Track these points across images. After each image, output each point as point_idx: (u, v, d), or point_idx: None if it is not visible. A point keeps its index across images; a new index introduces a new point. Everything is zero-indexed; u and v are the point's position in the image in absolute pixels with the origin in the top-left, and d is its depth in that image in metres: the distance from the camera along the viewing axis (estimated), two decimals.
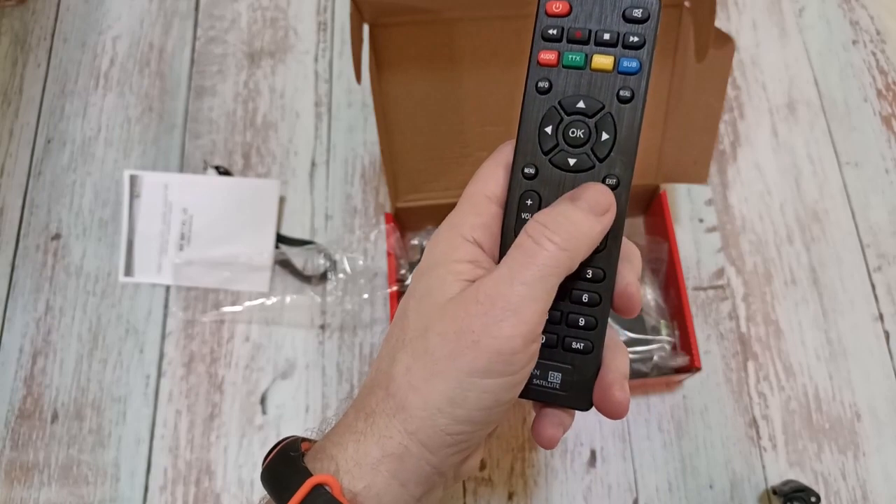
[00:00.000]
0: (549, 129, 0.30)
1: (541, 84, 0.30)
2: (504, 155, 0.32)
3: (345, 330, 0.64)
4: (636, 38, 0.29)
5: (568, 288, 0.30)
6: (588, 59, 0.30)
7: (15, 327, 0.64)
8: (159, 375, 0.62)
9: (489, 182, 0.31)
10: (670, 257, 0.59)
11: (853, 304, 0.64)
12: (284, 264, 0.65)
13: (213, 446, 0.60)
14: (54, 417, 0.61)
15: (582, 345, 0.30)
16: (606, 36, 0.29)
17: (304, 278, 0.65)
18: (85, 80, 0.74)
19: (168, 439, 0.60)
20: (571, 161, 0.30)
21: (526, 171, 0.30)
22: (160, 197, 0.67)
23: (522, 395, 0.30)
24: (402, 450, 0.28)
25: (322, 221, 0.68)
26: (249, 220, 0.66)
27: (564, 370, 0.31)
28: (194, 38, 0.75)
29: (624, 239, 0.31)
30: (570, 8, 0.30)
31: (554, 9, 0.30)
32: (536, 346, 0.28)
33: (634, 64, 0.29)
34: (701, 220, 0.68)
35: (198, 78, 0.73)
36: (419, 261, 0.60)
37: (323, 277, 0.65)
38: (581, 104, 0.30)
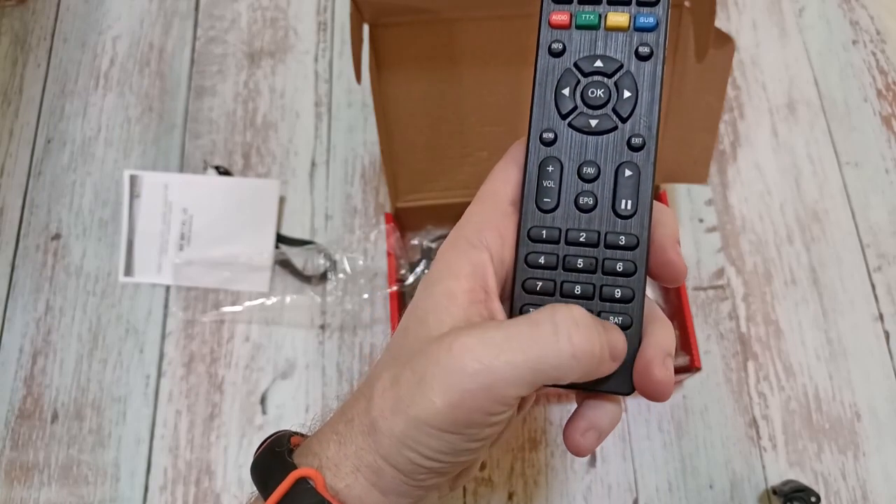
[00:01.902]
0: (566, 92, 0.28)
1: (554, 46, 0.28)
2: (516, 153, 0.30)
3: (345, 330, 0.64)
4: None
5: (600, 258, 0.28)
6: (602, 17, 0.28)
7: (15, 327, 0.64)
8: (159, 375, 0.62)
9: (501, 181, 0.30)
10: None
11: (853, 304, 0.64)
12: (284, 264, 0.65)
13: (213, 446, 0.60)
14: (54, 417, 0.61)
15: (620, 319, 0.28)
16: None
17: (304, 278, 0.65)
18: (85, 80, 0.74)
19: (168, 439, 0.60)
20: (593, 122, 0.28)
21: (545, 136, 0.28)
22: (160, 197, 0.67)
23: (562, 385, 0.27)
24: (376, 467, 0.27)
25: (322, 221, 0.68)
26: (249, 220, 0.66)
27: None
28: (194, 38, 0.75)
29: (655, 202, 0.29)
30: None
31: None
32: (505, 417, 0.26)
33: (651, 20, 0.28)
34: (701, 220, 0.68)
35: (198, 78, 0.73)
36: (419, 261, 0.61)
37: (323, 277, 0.65)
38: (598, 63, 0.28)
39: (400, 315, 0.58)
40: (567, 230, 0.28)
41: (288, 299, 0.64)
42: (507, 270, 0.28)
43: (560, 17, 0.29)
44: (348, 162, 0.70)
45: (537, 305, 0.27)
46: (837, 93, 0.72)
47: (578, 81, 0.28)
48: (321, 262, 0.65)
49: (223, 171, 0.68)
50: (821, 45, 0.74)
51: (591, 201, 0.28)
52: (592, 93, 0.28)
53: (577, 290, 0.28)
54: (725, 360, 0.63)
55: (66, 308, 0.65)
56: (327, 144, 0.71)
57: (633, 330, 0.28)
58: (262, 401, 0.61)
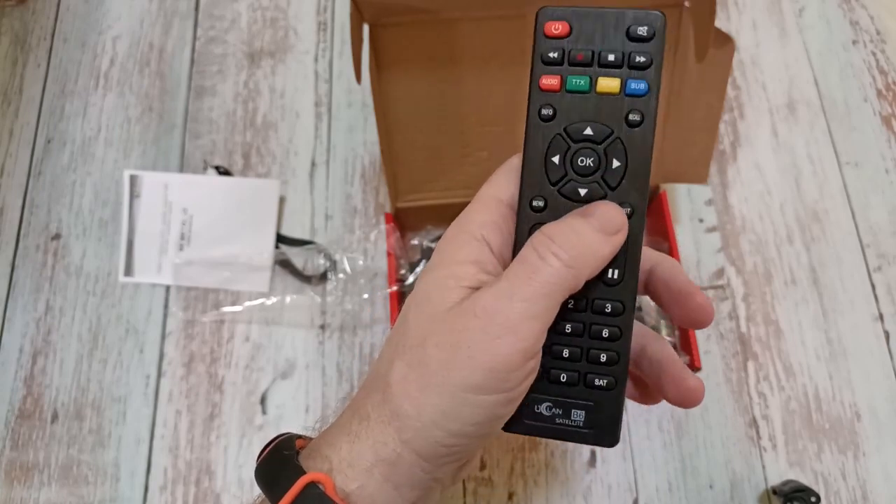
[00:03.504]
0: (556, 159, 0.28)
1: (544, 111, 0.28)
2: (516, 161, 0.30)
3: (345, 330, 0.64)
4: (642, 58, 0.28)
5: (587, 323, 0.29)
6: (593, 82, 0.28)
7: (15, 327, 0.64)
8: (159, 375, 0.62)
9: (501, 185, 0.30)
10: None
11: (853, 304, 0.64)
12: (284, 264, 0.65)
13: (213, 446, 0.60)
14: (54, 417, 0.61)
15: (605, 381, 0.29)
16: (611, 57, 0.28)
17: (304, 278, 0.65)
18: (85, 80, 0.74)
19: (168, 439, 0.60)
20: (582, 191, 0.28)
21: (534, 203, 0.29)
22: (160, 197, 0.67)
23: (547, 435, 0.30)
24: (395, 456, 0.27)
25: (322, 221, 0.68)
26: (249, 220, 0.66)
27: (587, 407, 0.29)
28: (194, 38, 0.75)
29: (661, 254, 0.30)
30: (570, 28, 0.28)
31: (553, 30, 0.28)
32: (535, 363, 0.27)
33: (642, 85, 0.28)
34: (701, 220, 0.68)
35: (198, 78, 0.73)
36: (419, 261, 0.61)
37: (323, 277, 0.65)
38: (588, 130, 0.28)
39: None
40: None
41: (288, 299, 0.64)
42: (506, 265, 0.29)
43: (550, 80, 0.28)
44: (348, 162, 0.70)
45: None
46: (837, 93, 0.72)
47: (568, 148, 0.28)
48: (321, 262, 0.65)
49: (223, 171, 0.68)
50: (821, 45, 0.74)
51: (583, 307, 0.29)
52: (582, 161, 0.28)
53: (566, 353, 0.29)
54: (725, 360, 0.63)
55: (66, 308, 0.65)
56: (327, 144, 0.71)
57: (618, 390, 0.29)
58: (262, 401, 0.61)
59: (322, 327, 0.64)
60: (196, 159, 0.70)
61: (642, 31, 0.28)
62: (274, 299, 0.64)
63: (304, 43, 0.75)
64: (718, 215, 0.68)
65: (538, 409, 0.30)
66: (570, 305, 0.29)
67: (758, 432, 0.60)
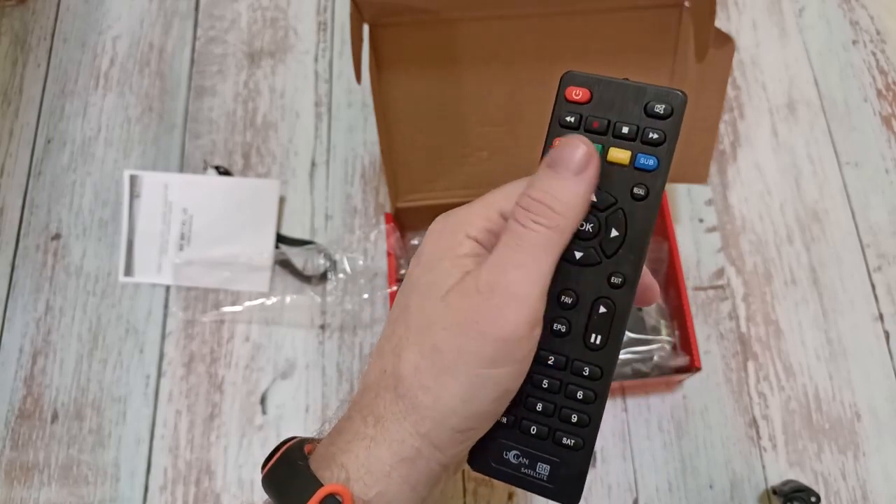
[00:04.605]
0: (587, 227, 0.29)
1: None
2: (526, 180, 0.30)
3: (345, 330, 0.64)
4: (656, 135, 0.28)
5: (564, 382, 0.29)
6: (605, 150, 0.29)
7: (15, 327, 0.64)
8: (159, 375, 0.62)
9: (501, 194, 0.30)
10: (670, 257, 0.59)
11: (853, 304, 0.64)
12: (284, 264, 0.65)
13: (213, 446, 0.60)
14: (54, 417, 0.61)
15: (573, 441, 0.29)
16: (625, 129, 0.28)
17: (304, 278, 0.65)
18: (85, 80, 0.74)
19: (168, 439, 0.60)
20: (578, 254, 0.29)
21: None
22: (160, 197, 0.67)
23: (510, 481, 0.30)
24: (414, 453, 0.27)
25: (322, 221, 0.68)
26: (249, 220, 0.66)
27: (553, 463, 0.30)
28: (194, 38, 0.75)
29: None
30: (591, 96, 0.29)
31: (574, 95, 0.29)
32: (538, 331, 0.28)
33: (652, 161, 0.28)
34: (701, 220, 0.68)
35: (198, 78, 0.73)
36: None
37: (323, 277, 0.65)
38: (593, 197, 0.28)
39: None
40: (539, 350, 0.28)
41: (288, 299, 0.64)
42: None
43: None
44: (348, 162, 0.70)
45: (506, 414, 0.29)
46: (837, 93, 0.72)
47: (598, 212, 0.29)
48: (321, 262, 0.65)
49: (223, 171, 0.68)
50: (821, 45, 0.74)
51: (564, 328, 0.29)
52: (582, 225, 0.28)
53: (539, 406, 0.29)
54: (725, 360, 0.63)
55: (66, 308, 0.65)
56: (327, 144, 0.71)
57: (585, 451, 0.29)
58: (262, 401, 0.61)
59: (322, 327, 0.64)
60: (196, 159, 0.70)
61: (660, 108, 0.28)
62: (274, 299, 0.64)
63: (304, 43, 0.75)
64: (718, 215, 0.68)
65: (506, 455, 0.30)
66: (550, 362, 0.29)
67: (758, 432, 0.60)
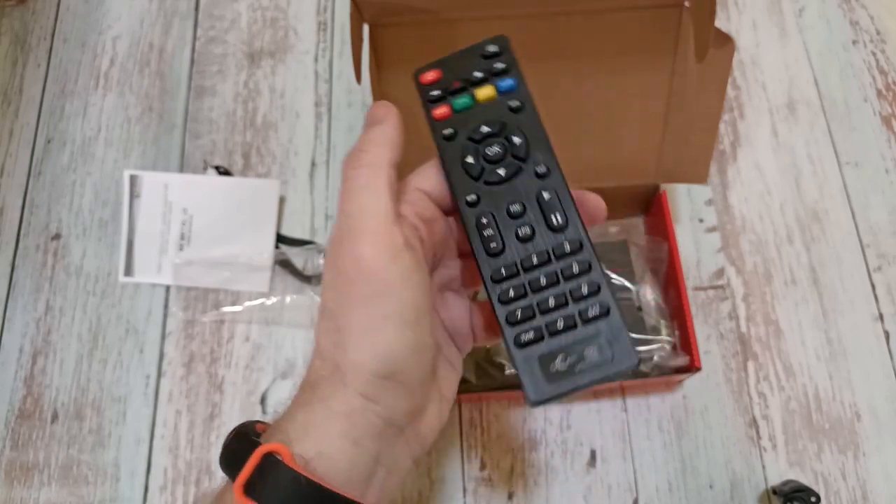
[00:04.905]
0: (470, 159, 0.33)
1: (446, 132, 0.34)
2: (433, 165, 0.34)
3: None
4: (501, 65, 0.34)
5: (557, 268, 0.31)
6: (473, 97, 0.34)
7: (15, 327, 0.64)
8: (159, 375, 0.62)
9: (428, 177, 0.34)
10: (670, 257, 0.59)
11: (853, 304, 0.64)
12: (284, 264, 0.65)
13: (213, 446, 0.60)
14: (54, 417, 0.61)
15: (598, 308, 0.30)
16: (478, 75, 0.34)
17: (304, 278, 0.65)
18: (85, 80, 0.74)
19: (168, 439, 0.60)
20: (501, 171, 0.33)
21: (469, 199, 0.33)
22: (160, 197, 0.67)
23: (573, 389, 0.30)
24: (346, 407, 0.28)
25: (322, 221, 0.68)
26: (249, 220, 0.66)
27: (595, 339, 0.30)
28: (194, 38, 0.75)
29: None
30: (441, 73, 0.35)
31: (428, 78, 0.35)
32: (407, 258, 0.29)
33: (510, 82, 0.34)
34: (701, 220, 0.68)
35: (198, 78, 0.73)
36: None
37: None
38: (485, 128, 0.33)
39: None
40: (521, 261, 0.31)
41: (288, 299, 0.64)
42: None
43: (440, 111, 0.34)
44: None
45: (528, 332, 0.31)
46: (837, 93, 0.72)
47: (477, 149, 0.33)
48: (321, 262, 0.65)
49: (223, 171, 0.68)
50: (821, 45, 0.74)
51: (528, 230, 0.32)
52: (490, 151, 0.33)
53: (552, 302, 0.31)
54: (725, 360, 0.63)
55: (66, 308, 0.65)
56: (327, 144, 0.71)
57: (614, 312, 0.31)
58: (262, 401, 0.61)
59: None
60: (196, 159, 0.70)
61: (492, 48, 0.35)
62: (274, 299, 0.64)
63: (304, 43, 0.75)
64: (718, 215, 0.68)
65: (554, 367, 0.30)
66: (535, 261, 0.31)
67: (758, 432, 0.60)
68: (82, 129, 0.72)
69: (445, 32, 0.52)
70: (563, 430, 0.60)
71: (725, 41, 0.49)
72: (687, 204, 0.68)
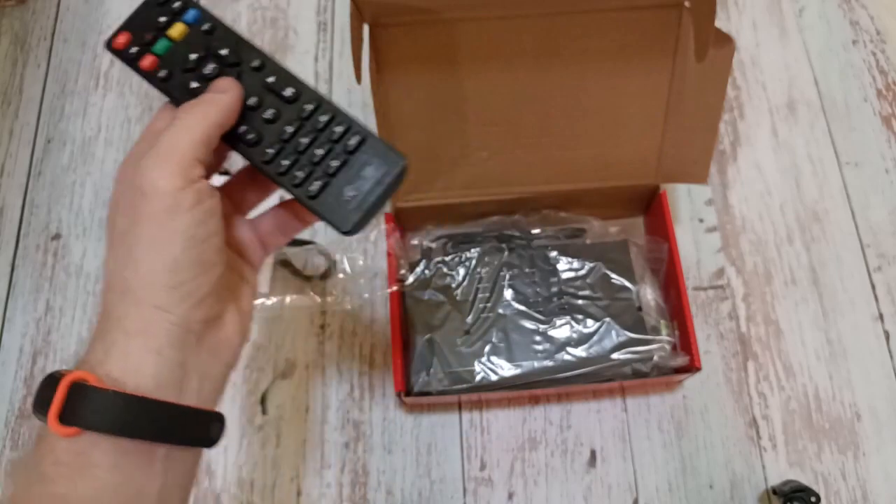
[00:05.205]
0: (194, 85, 0.35)
1: (162, 75, 0.36)
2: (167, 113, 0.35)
3: (345, 330, 0.64)
4: (177, 4, 0.36)
5: (313, 126, 0.35)
6: (168, 37, 0.36)
7: (15, 327, 0.64)
8: None
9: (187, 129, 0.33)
10: (670, 257, 0.59)
11: (853, 304, 0.64)
12: (284, 264, 0.65)
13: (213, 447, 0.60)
14: None
15: (358, 137, 0.35)
16: (164, 20, 0.36)
17: (304, 278, 0.65)
18: (85, 80, 0.74)
19: None
20: (211, 69, 0.35)
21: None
22: None
23: (377, 202, 0.35)
24: (142, 323, 0.30)
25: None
26: None
27: (367, 157, 0.35)
28: None
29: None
30: (130, 33, 0.36)
31: (120, 42, 0.36)
32: (203, 185, 0.31)
33: (193, 13, 0.36)
34: (701, 220, 0.68)
35: None
36: (419, 261, 0.61)
37: (323, 277, 0.65)
38: (193, 56, 0.35)
39: (400, 315, 0.59)
40: (280, 137, 0.35)
41: (288, 299, 0.64)
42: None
43: (147, 61, 0.36)
44: None
45: (313, 183, 0.35)
46: (837, 93, 0.72)
47: (196, 76, 0.35)
48: (321, 262, 0.65)
49: (223, 172, 0.68)
50: (821, 45, 0.74)
51: (272, 112, 0.35)
52: (207, 70, 0.35)
53: (319, 152, 0.35)
54: (725, 360, 0.63)
55: (66, 308, 0.65)
56: None
57: (370, 138, 0.35)
58: (262, 401, 0.61)
59: (322, 327, 0.64)
60: None
61: None
62: (274, 299, 0.64)
63: (304, 43, 0.75)
64: (718, 215, 0.68)
65: (347, 197, 0.35)
66: (290, 131, 0.35)
67: (758, 432, 0.60)
68: (82, 129, 0.72)
69: (445, 32, 0.52)
70: (563, 430, 0.60)
71: (725, 41, 0.50)
72: (687, 204, 0.68)
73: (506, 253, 0.61)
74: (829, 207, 0.68)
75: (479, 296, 0.59)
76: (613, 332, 0.57)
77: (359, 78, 0.49)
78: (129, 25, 0.36)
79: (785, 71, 0.73)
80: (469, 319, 0.58)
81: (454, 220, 0.64)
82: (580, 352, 0.57)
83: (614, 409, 0.61)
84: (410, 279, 0.60)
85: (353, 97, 0.72)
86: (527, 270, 0.60)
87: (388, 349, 0.62)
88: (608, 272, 0.60)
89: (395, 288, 0.59)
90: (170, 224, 0.30)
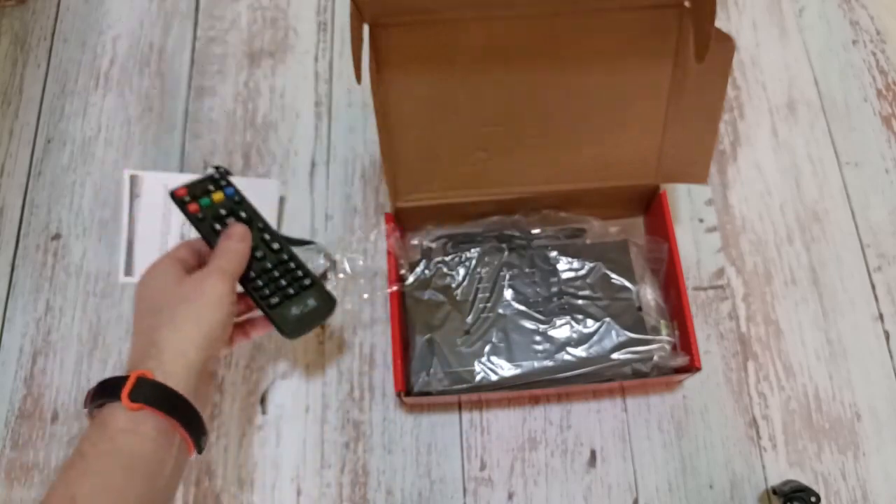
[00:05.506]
0: (218, 227, 0.53)
1: (200, 216, 0.53)
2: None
3: (345, 330, 0.64)
4: (224, 182, 0.55)
5: (281, 271, 0.54)
6: (211, 198, 0.54)
7: (15, 327, 0.64)
8: None
9: (182, 253, 0.53)
10: (670, 257, 0.59)
11: (853, 304, 0.64)
12: None
13: (213, 446, 0.60)
14: (54, 417, 0.61)
15: (308, 280, 0.54)
16: (212, 187, 0.55)
17: None
18: (85, 80, 0.74)
19: None
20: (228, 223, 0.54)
21: (257, 254, 0.54)
22: (160, 197, 0.67)
23: (309, 326, 0.54)
24: (179, 360, 0.46)
25: (322, 221, 0.68)
26: None
27: (311, 297, 0.54)
28: (194, 38, 0.75)
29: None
30: (188, 189, 0.54)
31: (180, 192, 0.54)
32: (233, 296, 0.49)
33: (231, 190, 0.55)
34: (701, 220, 0.68)
35: (198, 78, 0.73)
36: (419, 261, 0.61)
37: (323, 277, 0.65)
38: (222, 211, 0.54)
39: (400, 315, 0.59)
40: (262, 272, 0.53)
41: None
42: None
43: (193, 206, 0.53)
44: (348, 162, 0.70)
45: (274, 298, 0.53)
46: (837, 93, 0.72)
47: (220, 223, 0.53)
48: (321, 262, 0.65)
49: (223, 171, 0.68)
50: (821, 45, 0.74)
51: (261, 254, 0.53)
52: (228, 221, 0.53)
53: (283, 282, 0.53)
54: (725, 360, 0.63)
55: (66, 308, 0.65)
56: (327, 144, 0.71)
57: (317, 284, 0.55)
58: (262, 401, 0.61)
59: (322, 327, 0.64)
60: (196, 159, 0.70)
61: (216, 175, 0.55)
62: None
63: (304, 43, 0.75)
64: (718, 215, 0.68)
65: (294, 315, 0.53)
66: (269, 267, 0.53)
67: (758, 432, 0.60)
68: (82, 129, 0.72)
69: (445, 32, 0.52)
70: (563, 430, 0.60)
71: (725, 41, 0.50)
72: (687, 204, 0.68)
73: (506, 253, 0.61)
74: (829, 207, 0.68)
75: (479, 296, 0.59)
76: (613, 332, 0.57)
77: (359, 78, 0.49)
78: (189, 187, 0.54)
79: (785, 71, 0.73)
80: (469, 319, 0.58)
81: (454, 220, 0.64)
82: (580, 352, 0.57)
83: (614, 409, 0.61)
84: (410, 279, 0.60)
85: (353, 97, 0.72)
86: (527, 270, 0.60)
87: (388, 349, 0.62)
88: (608, 272, 0.60)
89: (395, 288, 0.59)
90: (216, 312, 0.48)
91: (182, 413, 0.44)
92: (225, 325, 0.48)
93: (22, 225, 0.68)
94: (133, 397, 0.42)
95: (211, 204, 0.54)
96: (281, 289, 0.53)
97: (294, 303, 0.53)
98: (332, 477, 0.59)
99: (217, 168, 0.68)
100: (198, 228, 0.53)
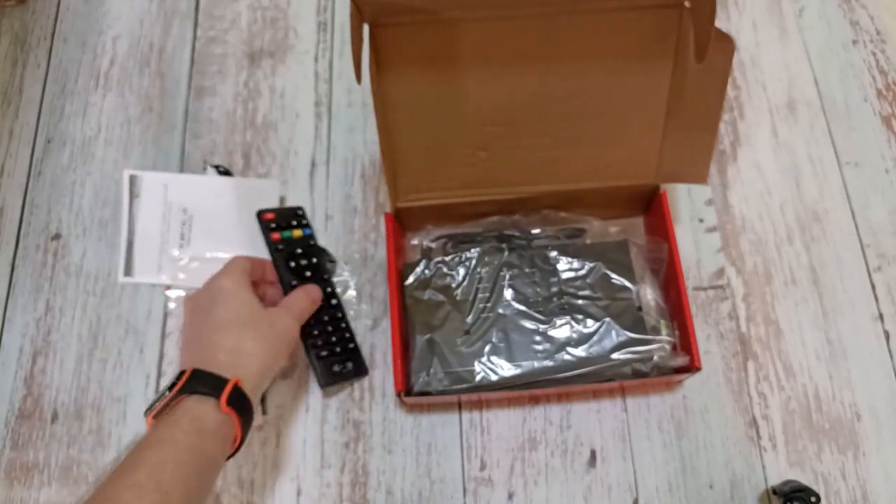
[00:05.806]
0: (292, 264, 0.61)
1: (280, 247, 0.61)
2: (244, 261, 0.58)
3: None
4: (305, 221, 0.64)
5: (335, 326, 0.61)
6: (291, 233, 0.62)
7: (15, 327, 0.64)
8: (159, 375, 0.62)
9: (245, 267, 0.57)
10: (670, 257, 0.59)
11: (853, 304, 0.64)
12: None
13: None
14: (54, 417, 0.61)
15: (352, 344, 0.62)
16: (294, 223, 0.63)
17: None
18: (85, 80, 0.74)
19: None
20: (308, 273, 0.61)
21: (292, 284, 0.60)
22: (160, 197, 0.67)
23: (337, 382, 0.60)
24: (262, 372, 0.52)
25: (322, 221, 0.68)
26: (249, 220, 0.66)
27: (349, 359, 0.61)
28: (194, 38, 0.75)
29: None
30: (274, 214, 0.62)
31: (268, 216, 0.62)
32: (294, 338, 0.57)
33: (308, 230, 0.63)
34: (701, 220, 0.68)
35: (198, 78, 0.73)
36: (419, 261, 0.61)
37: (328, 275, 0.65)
38: (299, 250, 0.61)
39: (400, 315, 0.59)
40: (316, 321, 0.60)
41: None
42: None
43: (276, 235, 0.61)
44: (348, 162, 0.70)
45: (323, 351, 0.60)
46: (837, 93, 0.72)
47: (295, 260, 0.61)
48: (327, 265, 0.65)
49: (223, 171, 0.68)
50: (821, 45, 0.74)
51: (328, 317, 0.61)
52: (302, 262, 0.62)
53: (333, 339, 0.61)
54: (725, 360, 0.63)
55: (66, 308, 0.65)
56: (327, 144, 0.71)
57: (357, 350, 0.62)
58: (262, 401, 0.61)
59: None
60: (196, 159, 0.70)
61: (300, 212, 0.64)
62: None
63: (304, 43, 0.75)
64: (718, 215, 0.68)
65: (335, 370, 0.60)
66: (326, 320, 0.61)
67: (758, 432, 0.60)
68: (82, 129, 0.72)
69: (445, 32, 0.52)
70: (563, 430, 0.60)
71: (725, 41, 0.50)
72: (687, 204, 0.68)
73: (506, 253, 0.61)
74: (829, 207, 0.68)
75: (479, 296, 0.59)
76: (613, 332, 0.57)
77: (359, 78, 0.49)
78: (277, 213, 0.62)
79: (785, 71, 0.73)
80: (469, 319, 0.58)
81: (454, 220, 0.64)
82: (580, 352, 0.57)
83: (614, 409, 0.61)
84: (410, 279, 0.60)
85: (353, 97, 0.72)
86: (527, 270, 0.60)
87: (388, 349, 0.62)
88: (608, 272, 0.60)
89: (394, 288, 0.59)
90: (284, 350, 0.55)
91: (245, 430, 0.50)
92: (280, 365, 0.55)
93: (22, 225, 0.68)
94: (229, 402, 0.47)
95: (291, 239, 0.61)
96: (330, 344, 0.60)
97: (336, 361, 0.60)
98: (332, 477, 0.59)
99: (217, 167, 0.68)
100: (273, 255, 0.60)
